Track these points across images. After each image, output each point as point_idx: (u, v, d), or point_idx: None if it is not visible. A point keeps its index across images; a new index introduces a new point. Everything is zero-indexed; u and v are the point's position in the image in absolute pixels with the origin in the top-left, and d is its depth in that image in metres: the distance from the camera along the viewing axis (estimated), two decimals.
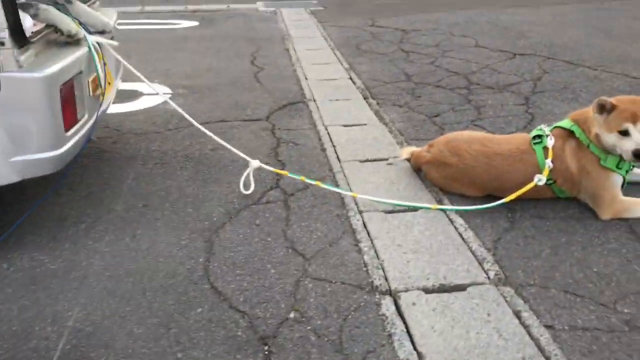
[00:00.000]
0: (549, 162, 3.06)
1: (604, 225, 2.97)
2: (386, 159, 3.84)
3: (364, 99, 5.13)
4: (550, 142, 3.10)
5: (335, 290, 2.51)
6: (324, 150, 4.03)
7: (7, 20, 2.33)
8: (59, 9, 2.99)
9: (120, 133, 4.36)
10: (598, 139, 3.01)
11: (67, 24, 2.86)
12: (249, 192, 3.33)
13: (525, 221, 3.04)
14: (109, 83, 3.23)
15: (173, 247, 2.84)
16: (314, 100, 5.09)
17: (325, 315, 2.35)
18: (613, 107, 2.95)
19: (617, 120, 2.91)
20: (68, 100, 2.61)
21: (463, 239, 2.90)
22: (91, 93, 2.92)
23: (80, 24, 3.03)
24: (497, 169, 3.16)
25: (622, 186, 3.09)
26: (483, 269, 2.66)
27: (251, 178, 3.35)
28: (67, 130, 2.63)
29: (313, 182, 3.31)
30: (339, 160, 3.84)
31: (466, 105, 4.86)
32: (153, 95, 5.22)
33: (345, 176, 3.60)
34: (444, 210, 3.15)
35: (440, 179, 3.36)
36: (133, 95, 5.25)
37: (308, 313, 2.36)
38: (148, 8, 10.49)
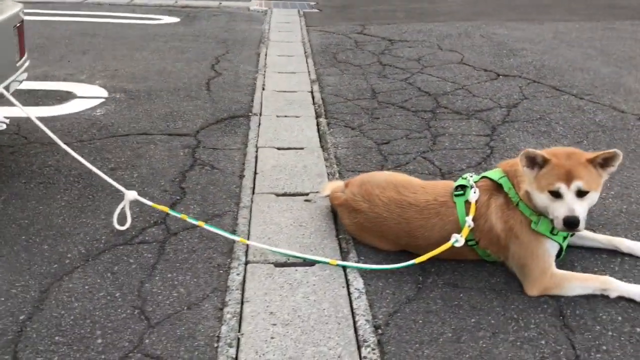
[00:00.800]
0: (469, 220, 2.52)
1: (528, 304, 2.41)
2: (307, 194, 3.33)
3: (316, 117, 4.62)
4: (473, 195, 2.56)
5: None
6: (241, 177, 3.52)
7: None
8: None
9: (26, 142, 3.91)
10: (528, 198, 2.46)
11: None
12: (124, 227, 2.84)
13: (435, 290, 2.50)
14: None
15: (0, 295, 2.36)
16: (260, 115, 4.59)
17: None
18: (545, 162, 2.41)
19: (548, 177, 2.37)
20: None
21: (352, 309, 2.37)
22: None
23: None
24: (410, 222, 2.63)
25: (559, 255, 2.54)
26: (359, 355, 2.13)
27: (127, 212, 2.86)
28: None
29: (195, 222, 2.80)
30: (253, 192, 3.34)
31: (424, 132, 4.32)
32: (86, 98, 4.78)
33: (250, 213, 3.10)
34: (344, 268, 2.63)
35: (351, 226, 2.84)
36: (65, 97, 4.81)
37: None
38: (137, 0, 10.09)
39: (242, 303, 2.38)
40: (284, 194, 3.33)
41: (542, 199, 2.39)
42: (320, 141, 4.13)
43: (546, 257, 2.46)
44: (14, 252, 2.66)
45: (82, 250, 2.70)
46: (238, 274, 2.58)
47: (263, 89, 5.30)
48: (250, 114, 4.63)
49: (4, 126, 4.13)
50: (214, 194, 3.30)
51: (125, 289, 2.43)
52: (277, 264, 2.66)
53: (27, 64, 3.74)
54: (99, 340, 2.14)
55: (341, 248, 2.81)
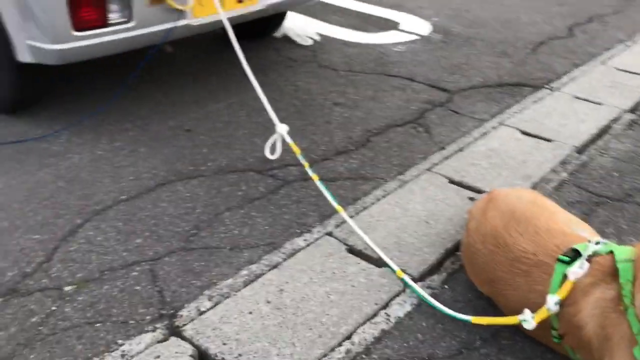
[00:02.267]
0: (551, 301, 1.68)
1: None
2: (481, 192, 2.71)
3: (625, 111, 3.55)
4: (577, 270, 1.67)
5: None
6: (442, 149, 3.07)
7: None
8: None
9: (289, 60, 4.17)
10: None
11: None
12: (273, 157, 2.88)
13: None
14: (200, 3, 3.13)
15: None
16: (554, 90, 3.79)
17: None
18: None
19: None
20: (82, 2, 2.70)
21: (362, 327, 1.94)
22: (147, 2, 2.91)
23: None
24: (496, 268, 1.91)
25: None
26: None
27: (278, 144, 2.86)
28: (77, 29, 2.74)
29: (310, 173, 2.61)
30: (430, 169, 2.89)
31: None
32: (404, 32, 4.77)
33: (398, 188, 2.72)
34: (405, 285, 2.13)
35: (462, 246, 2.23)
36: (385, 26, 4.89)
37: None
38: None
39: (271, 268, 2.21)
40: (459, 184, 2.78)
41: None
42: (591, 141, 3.20)
43: None
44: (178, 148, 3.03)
45: (224, 162, 2.88)
46: (305, 240, 2.37)
47: (602, 63, 4.29)
48: (546, 85, 3.86)
49: (311, 42, 4.50)
50: (397, 156, 2.99)
51: (211, 209, 2.53)
52: (352, 250, 2.32)
53: None
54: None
55: (434, 265, 2.26)
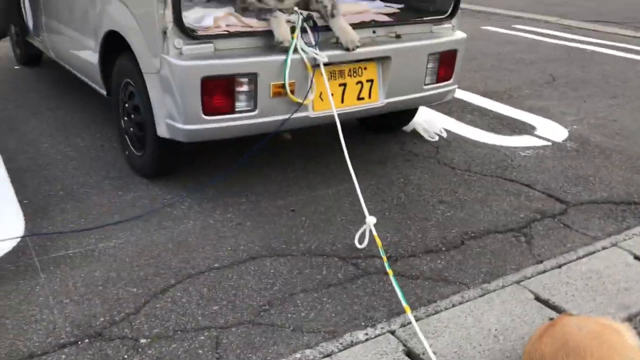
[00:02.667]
0: None
1: None
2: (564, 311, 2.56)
3: None
4: None
5: None
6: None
7: (174, 15, 3.00)
8: (309, 21, 3.39)
9: (411, 154, 4.27)
10: None
11: (280, 33, 3.24)
12: (361, 246, 2.99)
13: None
14: (321, 98, 3.42)
15: None
16: None
17: None
18: None
19: None
20: (213, 91, 3.10)
21: None
22: (270, 95, 3.25)
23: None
24: None
25: None
26: None
27: (366, 234, 2.97)
28: (207, 114, 3.15)
29: (387, 268, 2.66)
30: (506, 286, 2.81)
31: None
32: (538, 137, 4.70)
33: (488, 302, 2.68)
34: None
35: None
36: (521, 129, 4.85)
37: None
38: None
39: (324, 356, 2.29)
40: (545, 302, 2.66)
41: None
42: None
43: None
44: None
45: (314, 245, 3.05)
46: (365, 334, 2.42)
47: None
48: None
49: (437, 138, 4.61)
50: (487, 264, 2.95)
51: (287, 288, 2.70)
52: (410, 353, 2.32)
53: (446, 89, 4.06)
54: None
55: None
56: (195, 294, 2.63)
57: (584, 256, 3.04)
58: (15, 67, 6.46)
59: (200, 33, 3.15)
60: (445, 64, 3.93)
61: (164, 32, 3.07)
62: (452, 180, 3.87)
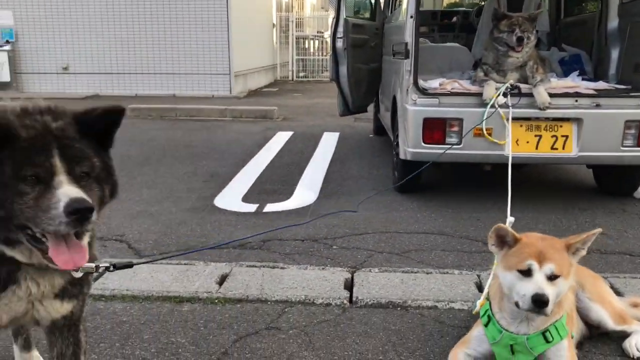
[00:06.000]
0: None
1: None
2: None
3: None
4: None
5: None
6: None
7: (413, 80, 4.74)
8: (515, 89, 4.72)
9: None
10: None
11: (486, 93, 4.66)
12: None
13: None
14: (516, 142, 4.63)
15: None
16: None
17: None
18: (516, 241, 2.39)
19: (519, 255, 2.33)
20: (432, 127, 4.68)
21: None
22: (472, 134, 4.65)
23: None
24: None
25: None
26: None
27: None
28: (426, 142, 4.73)
29: None
30: None
31: None
32: None
33: None
34: None
35: None
36: None
37: None
38: None
39: None
40: None
41: (508, 279, 2.35)
42: None
43: None
44: None
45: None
46: None
47: None
48: None
49: None
50: None
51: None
52: None
53: None
54: None
55: None
56: None
57: None
58: (370, 136, 8.98)
59: (429, 91, 4.83)
60: None
61: (407, 90, 4.86)
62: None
